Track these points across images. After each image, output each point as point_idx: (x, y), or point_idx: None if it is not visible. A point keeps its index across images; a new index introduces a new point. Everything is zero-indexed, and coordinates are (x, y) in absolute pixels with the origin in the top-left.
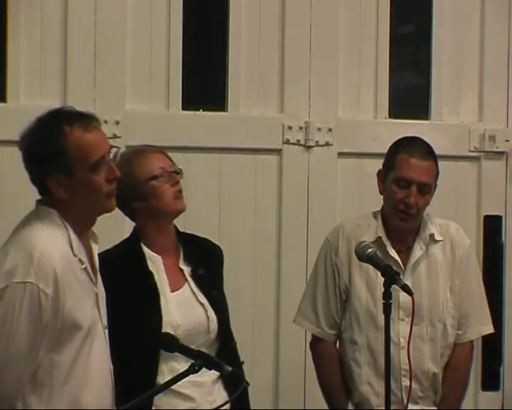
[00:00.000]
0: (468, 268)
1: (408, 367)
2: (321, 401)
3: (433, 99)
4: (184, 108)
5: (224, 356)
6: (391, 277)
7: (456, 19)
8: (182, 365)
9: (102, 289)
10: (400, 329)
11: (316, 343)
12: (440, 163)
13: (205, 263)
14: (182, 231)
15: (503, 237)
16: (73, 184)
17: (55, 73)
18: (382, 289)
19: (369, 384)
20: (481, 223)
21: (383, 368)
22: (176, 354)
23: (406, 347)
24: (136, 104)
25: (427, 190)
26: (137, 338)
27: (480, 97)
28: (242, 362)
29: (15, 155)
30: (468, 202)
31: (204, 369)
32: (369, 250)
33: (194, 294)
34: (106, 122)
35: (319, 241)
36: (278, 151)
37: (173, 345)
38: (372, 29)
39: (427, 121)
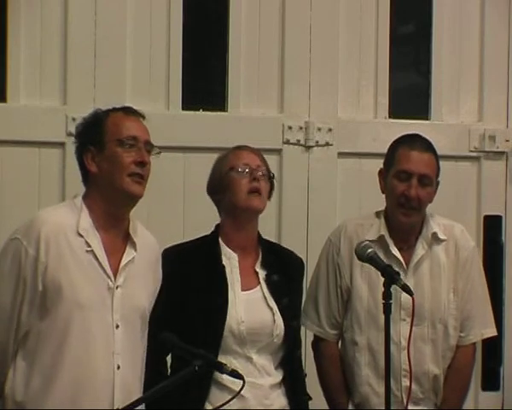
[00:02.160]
0: (472, 270)
1: (408, 368)
2: (321, 401)
3: (433, 99)
4: (184, 108)
5: (288, 366)
6: (391, 277)
7: (456, 19)
8: (239, 360)
9: (140, 295)
10: (401, 329)
11: (317, 343)
12: (440, 163)
13: (282, 271)
14: (266, 239)
15: (503, 237)
16: (104, 158)
17: (55, 73)
18: (383, 288)
19: (369, 385)
20: (481, 223)
21: (384, 369)
22: (235, 349)
23: (407, 347)
24: (136, 104)
25: (427, 182)
26: (200, 329)
27: (480, 97)
28: (305, 374)
29: (15, 155)
30: (468, 202)
31: (264, 372)
32: (369, 250)
33: (264, 297)
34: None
35: (319, 241)
36: (278, 151)
37: (172, 345)
38: (372, 29)
39: (427, 121)
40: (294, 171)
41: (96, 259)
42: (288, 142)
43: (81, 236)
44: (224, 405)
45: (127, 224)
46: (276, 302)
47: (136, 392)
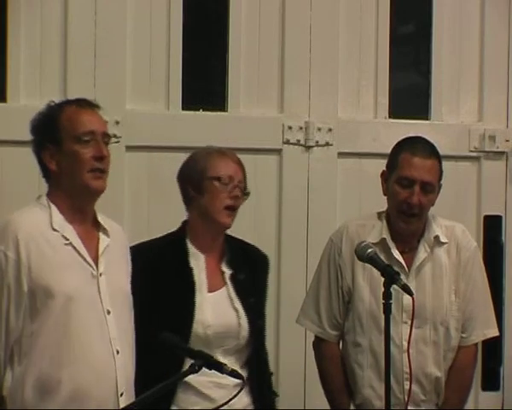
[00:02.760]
0: (474, 271)
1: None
2: (321, 401)
3: (433, 99)
4: (184, 108)
5: (253, 365)
6: (391, 277)
7: (456, 19)
8: None
9: (121, 279)
10: (403, 332)
11: (318, 344)
12: None
13: (247, 269)
14: (231, 235)
15: (503, 237)
16: (62, 156)
17: (55, 73)
18: (383, 288)
19: (371, 387)
20: (481, 223)
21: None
22: (202, 350)
23: (407, 349)
24: (136, 104)
25: (430, 189)
26: (166, 330)
27: (480, 97)
28: (271, 373)
29: (15, 155)
30: (468, 202)
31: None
32: (369, 250)
33: (230, 298)
34: (106, 122)
35: (319, 241)
36: (278, 151)
37: (172, 345)
38: (372, 29)
39: (427, 121)
40: (294, 171)
41: (76, 250)
42: (288, 142)
43: (56, 231)
44: (224, 405)
45: (93, 213)
46: (241, 302)
47: (132, 375)
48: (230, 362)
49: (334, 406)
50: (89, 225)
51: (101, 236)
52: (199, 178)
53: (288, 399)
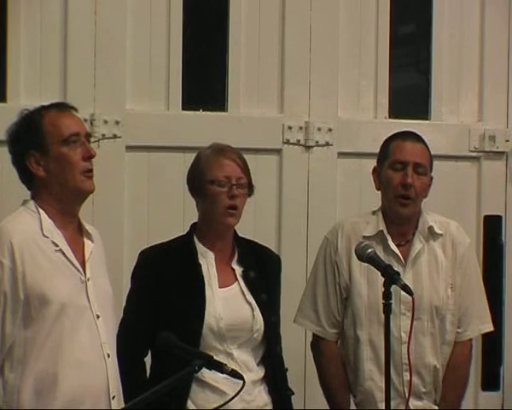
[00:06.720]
0: (469, 266)
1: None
2: (321, 400)
3: (433, 99)
4: (184, 108)
5: (270, 362)
6: (391, 277)
7: (456, 19)
8: (220, 357)
9: (105, 283)
10: (402, 323)
11: (317, 343)
12: (440, 163)
13: (258, 268)
14: (242, 236)
15: (503, 237)
16: (50, 161)
17: (55, 73)
18: (383, 288)
19: (372, 380)
20: (481, 223)
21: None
22: (215, 346)
23: (407, 342)
24: (136, 104)
25: (422, 170)
26: (179, 328)
27: (480, 97)
28: (286, 369)
29: None
30: (468, 202)
31: (245, 368)
32: (370, 250)
33: (242, 293)
34: (106, 122)
35: (319, 241)
36: (278, 151)
37: (172, 345)
38: (372, 29)
39: (427, 121)
40: (294, 171)
41: (65, 256)
42: (288, 142)
43: (47, 237)
44: (224, 404)
45: (78, 217)
46: (253, 298)
47: (119, 377)
48: (248, 357)
49: (333, 405)
50: (74, 230)
51: (86, 241)
52: (198, 182)
53: None
